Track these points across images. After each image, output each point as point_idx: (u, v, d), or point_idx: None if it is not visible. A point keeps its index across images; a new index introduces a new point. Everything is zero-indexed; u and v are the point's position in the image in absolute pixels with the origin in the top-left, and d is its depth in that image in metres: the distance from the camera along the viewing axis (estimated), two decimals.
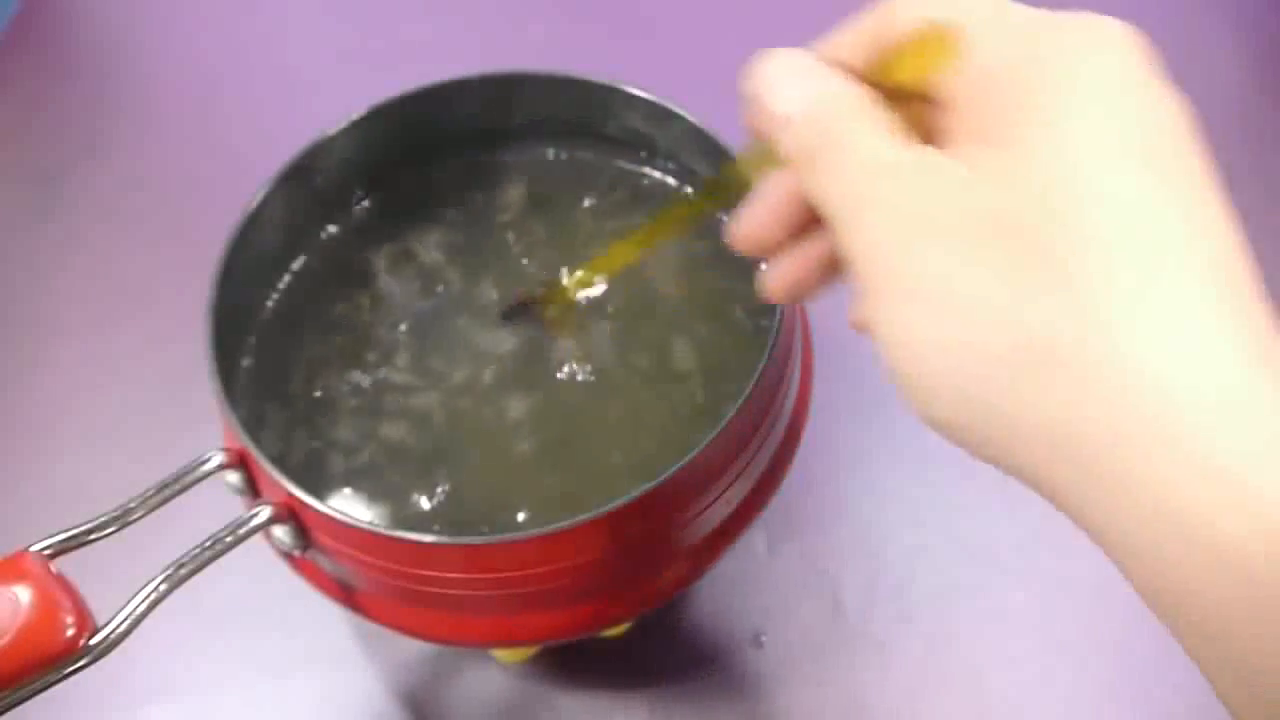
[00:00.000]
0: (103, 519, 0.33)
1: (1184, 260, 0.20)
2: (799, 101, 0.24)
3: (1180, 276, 0.20)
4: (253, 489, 0.36)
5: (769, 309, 0.37)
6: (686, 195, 0.35)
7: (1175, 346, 0.20)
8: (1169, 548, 0.20)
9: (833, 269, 0.27)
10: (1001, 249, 0.21)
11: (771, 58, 0.25)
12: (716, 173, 0.42)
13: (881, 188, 0.23)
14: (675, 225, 0.34)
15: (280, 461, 0.34)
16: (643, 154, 0.45)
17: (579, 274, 0.39)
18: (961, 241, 0.21)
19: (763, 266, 0.28)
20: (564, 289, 0.39)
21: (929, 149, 0.23)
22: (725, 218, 0.43)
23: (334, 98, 0.44)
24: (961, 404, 0.22)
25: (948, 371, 0.22)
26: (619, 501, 0.32)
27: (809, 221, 0.26)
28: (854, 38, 0.25)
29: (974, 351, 0.21)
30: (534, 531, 0.32)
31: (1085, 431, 0.20)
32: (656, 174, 0.45)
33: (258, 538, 0.34)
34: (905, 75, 0.24)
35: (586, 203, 0.45)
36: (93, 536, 0.32)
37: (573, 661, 0.43)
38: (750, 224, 0.27)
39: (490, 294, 0.43)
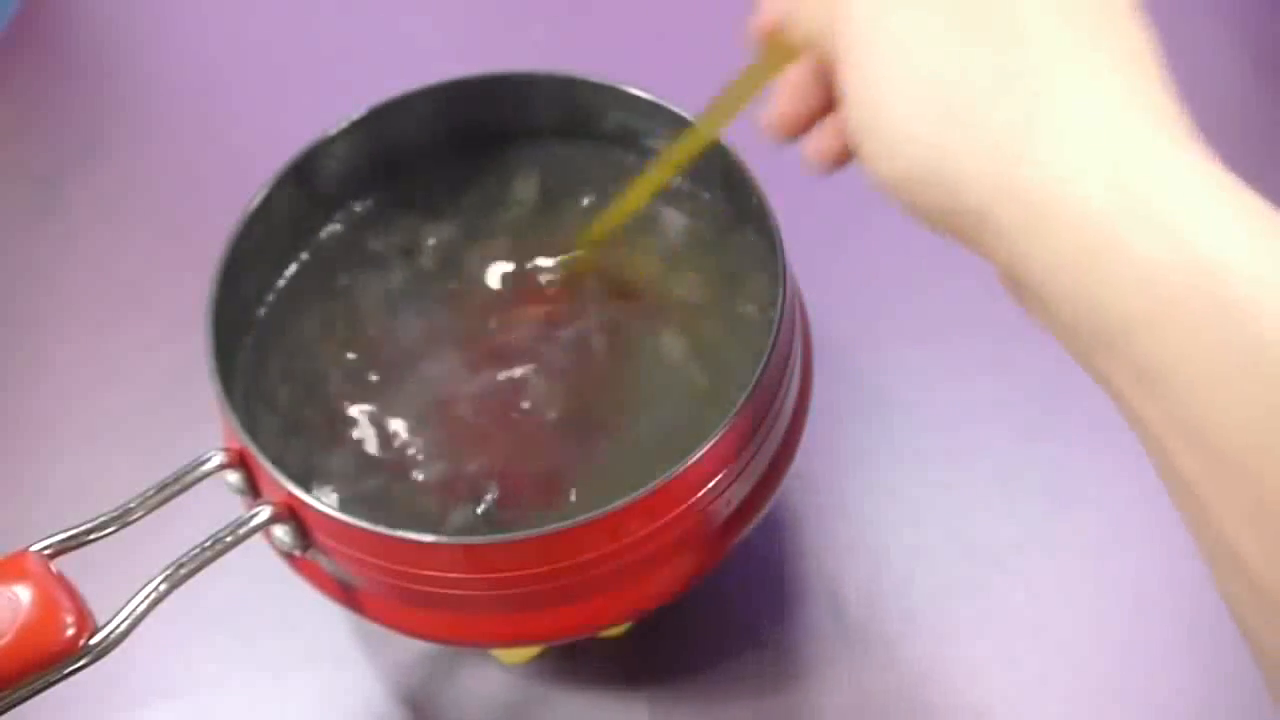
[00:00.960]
0: (103, 519, 0.33)
1: (1098, 31, 0.25)
2: None
3: (1098, 42, 0.24)
4: (253, 489, 0.36)
5: (771, 301, 0.37)
6: (666, 149, 0.37)
7: (1104, 104, 0.23)
8: (1094, 267, 0.22)
9: (825, 102, 0.30)
10: (953, 14, 0.25)
11: None
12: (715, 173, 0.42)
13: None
14: (679, 162, 0.38)
15: (280, 461, 0.34)
16: (643, 154, 0.45)
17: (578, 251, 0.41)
18: (921, 9, 0.25)
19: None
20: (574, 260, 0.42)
21: None
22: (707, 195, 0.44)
23: (334, 98, 0.44)
24: (918, 153, 0.25)
25: (910, 118, 0.25)
26: (619, 501, 0.32)
27: (828, 98, 0.30)
28: None
29: (932, 96, 0.25)
30: (534, 531, 0.32)
31: (1032, 164, 0.23)
32: None
33: (258, 538, 0.34)
34: None
35: (586, 202, 0.45)
36: (93, 536, 0.32)
37: (573, 661, 0.43)
38: (778, 107, 0.31)
39: (491, 293, 0.43)
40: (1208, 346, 0.21)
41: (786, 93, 0.31)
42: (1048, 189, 0.23)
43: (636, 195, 0.39)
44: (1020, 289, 0.25)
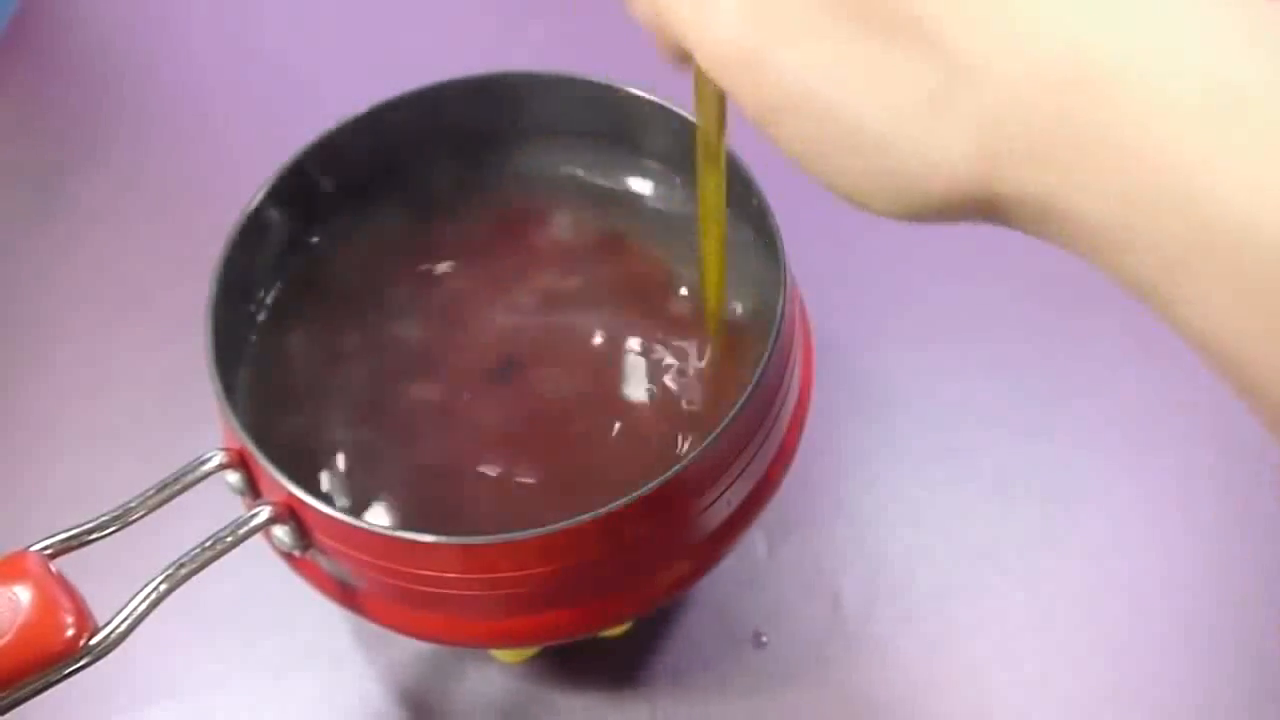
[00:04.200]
0: (103, 519, 0.33)
1: None
2: None
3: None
4: (253, 489, 0.36)
5: (771, 302, 0.37)
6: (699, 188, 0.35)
7: (1043, 34, 0.20)
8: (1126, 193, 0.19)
9: None
10: (850, 29, 0.21)
11: None
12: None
13: (718, 6, 0.23)
14: (720, 208, 0.35)
15: (280, 461, 0.34)
16: (643, 154, 0.45)
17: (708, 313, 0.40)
18: (814, 35, 0.21)
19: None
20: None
21: None
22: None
23: (334, 98, 0.44)
24: (890, 195, 0.22)
25: (864, 170, 0.22)
26: (619, 501, 0.32)
27: None
28: None
29: (877, 141, 0.21)
30: (534, 531, 0.32)
31: (1016, 150, 0.20)
32: (657, 174, 0.45)
33: (258, 538, 0.34)
34: None
35: (585, 202, 0.45)
36: (93, 536, 0.32)
37: (573, 661, 0.43)
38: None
39: (492, 293, 0.43)
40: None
41: None
42: (1036, 189, 0.20)
43: (713, 263, 0.37)
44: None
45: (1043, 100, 0.20)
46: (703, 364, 0.40)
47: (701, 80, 0.29)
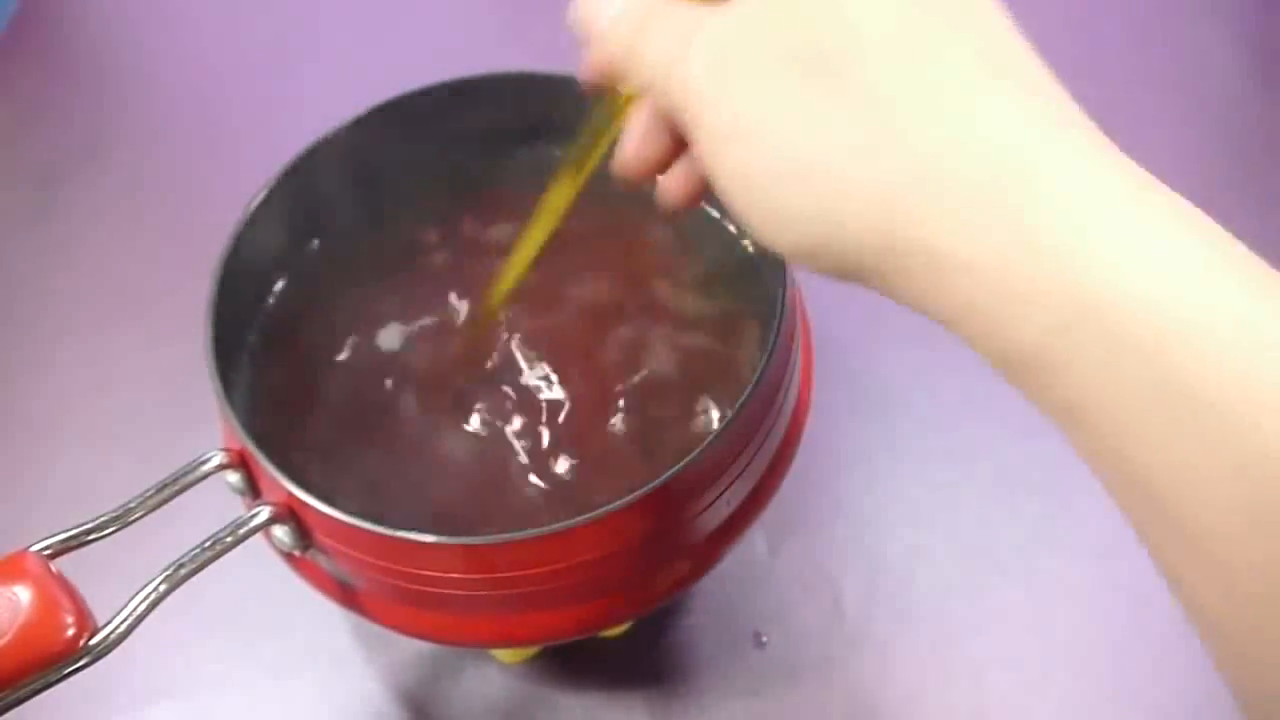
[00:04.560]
0: (103, 519, 0.33)
1: (956, 50, 0.22)
2: (614, 8, 0.27)
3: (957, 58, 0.22)
4: (253, 489, 0.36)
5: (772, 307, 0.37)
6: (556, 176, 0.35)
7: (970, 131, 0.22)
8: (996, 310, 0.22)
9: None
10: (799, 77, 0.23)
11: None
12: None
13: (694, 44, 0.25)
14: (558, 212, 0.36)
15: (280, 461, 0.34)
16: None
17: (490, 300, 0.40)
18: (765, 76, 0.24)
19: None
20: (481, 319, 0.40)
21: (725, 5, 0.25)
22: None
23: (334, 98, 0.44)
24: (802, 229, 0.24)
25: (782, 198, 0.24)
26: (619, 502, 0.32)
27: (678, 138, 0.28)
28: None
29: (801, 173, 0.23)
30: (534, 531, 0.32)
31: (920, 220, 0.22)
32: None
33: (258, 538, 0.34)
34: None
35: (587, 203, 0.45)
36: (93, 536, 0.32)
37: (573, 661, 0.43)
38: (628, 153, 0.29)
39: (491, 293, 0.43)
40: (1118, 385, 0.20)
41: (634, 138, 0.29)
42: (940, 241, 0.22)
43: (526, 251, 0.37)
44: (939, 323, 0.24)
45: (963, 171, 0.22)
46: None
47: (616, 102, 0.30)
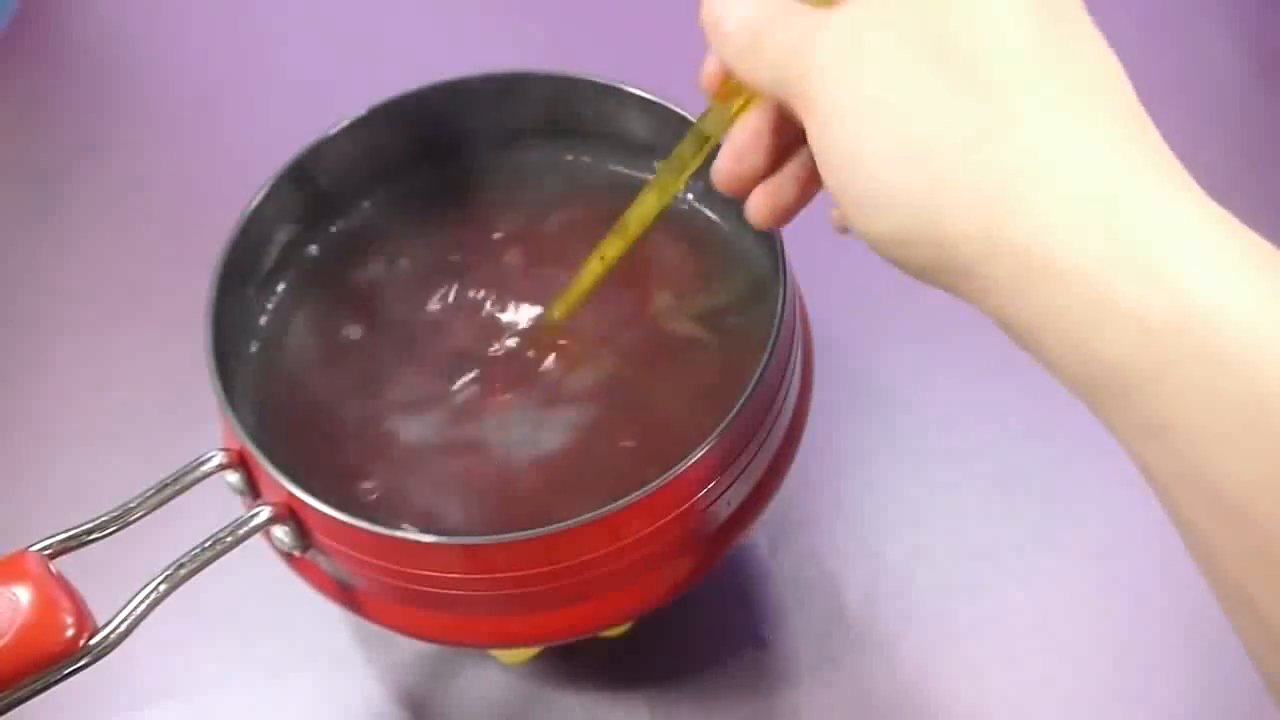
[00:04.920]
0: (103, 519, 0.33)
1: (1079, 68, 0.24)
2: (741, 9, 0.28)
3: (1079, 76, 0.23)
4: (253, 489, 0.36)
5: (772, 307, 0.37)
6: (649, 182, 0.35)
7: (1094, 148, 0.23)
8: (1091, 322, 0.22)
9: (807, 185, 0.30)
10: (930, 63, 0.24)
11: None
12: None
13: (818, 36, 0.26)
14: (644, 223, 0.36)
15: (280, 461, 0.34)
16: (644, 154, 0.45)
17: (553, 313, 0.40)
18: (893, 60, 0.24)
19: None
20: (545, 329, 0.41)
21: (849, 3, 0.26)
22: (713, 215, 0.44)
23: (334, 98, 0.44)
24: (903, 214, 0.24)
25: (891, 178, 0.24)
26: (619, 502, 0.32)
27: (779, 151, 0.30)
28: None
29: (912, 153, 0.24)
30: (534, 531, 0.32)
31: (1024, 217, 0.22)
32: None
33: (258, 538, 0.34)
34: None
35: (587, 203, 0.45)
36: (93, 536, 0.32)
37: (573, 661, 0.43)
38: (728, 161, 0.30)
39: (491, 294, 0.43)
40: (1209, 402, 0.20)
41: (733, 146, 0.30)
42: (1040, 243, 0.22)
43: (599, 266, 0.37)
44: (1015, 337, 0.25)
45: (1071, 176, 0.22)
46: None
47: (724, 112, 0.31)
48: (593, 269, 0.38)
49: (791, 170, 0.30)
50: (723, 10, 0.29)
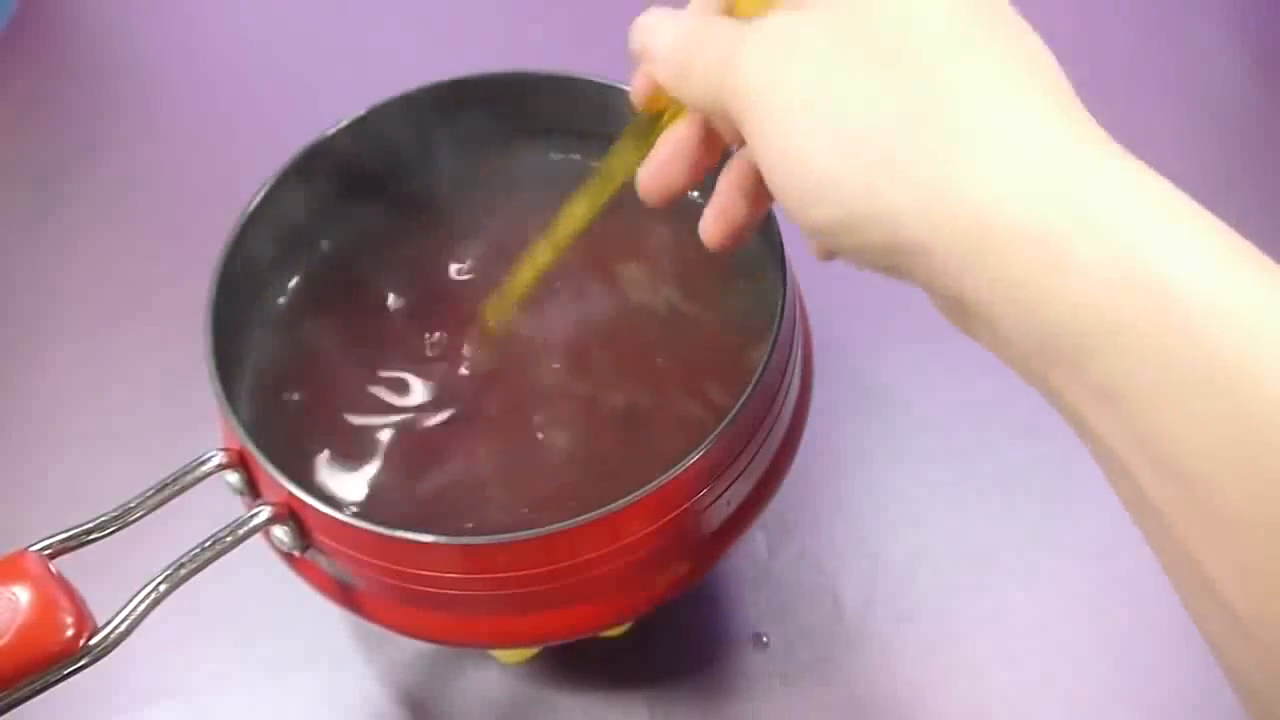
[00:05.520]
0: (103, 519, 0.33)
1: (1001, 47, 0.24)
2: (670, 30, 0.29)
3: (1002, 54, 0.24)
4: (253, 489, 0.36)
5: (772, 307, 0.37)
6: (589, 180, 0.35)
7: (1031, 120, 0.23)
8: (1044, 286, 0.22)
9: (755, 199, 0.30)
10: (859, 56, 0.24)
11: (644, 15, 0.30)
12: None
13: (747, 43, 0.26)
14: (574, 229, 0.36)
15: (280, 461, 0.34)
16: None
17: (494, 302, 0.40)
18: (824, 56, 0.25)
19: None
20: (484, 319, 0.40)
21: (779, 10, 0.27)
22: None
23: (334, 98, 0.44)
24: (846, 199, 0.24)
25: (830, 167, 0.24)
26: (619, 502, 0.32)
27: (701, 166, 0.31)
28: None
29: (849, 140, 0.24)
30: (534, 531, 0.32)
31: (969, 189, 0.23)
32: None
33: (258, 538, 0.34)
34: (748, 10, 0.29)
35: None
36: (93, 536, 0.32)
37: (573, 661, 0.43)
38: (652, 171, 0.31)
39: (490, 295, 0.43)
40: (1163, 362, 0.20)
41: (658, 157, 0.31)
42: (988, 209, 0.22)
43: (530, 270, 0.38)
44: (965, 316, 0.25)
45: (1011, 145, 0.23)
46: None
47: (652, 124, 0.32)
48: (524, 276, 0.38)
49: (736, 184, 0.30)
50: (649, 37, 0.29)
